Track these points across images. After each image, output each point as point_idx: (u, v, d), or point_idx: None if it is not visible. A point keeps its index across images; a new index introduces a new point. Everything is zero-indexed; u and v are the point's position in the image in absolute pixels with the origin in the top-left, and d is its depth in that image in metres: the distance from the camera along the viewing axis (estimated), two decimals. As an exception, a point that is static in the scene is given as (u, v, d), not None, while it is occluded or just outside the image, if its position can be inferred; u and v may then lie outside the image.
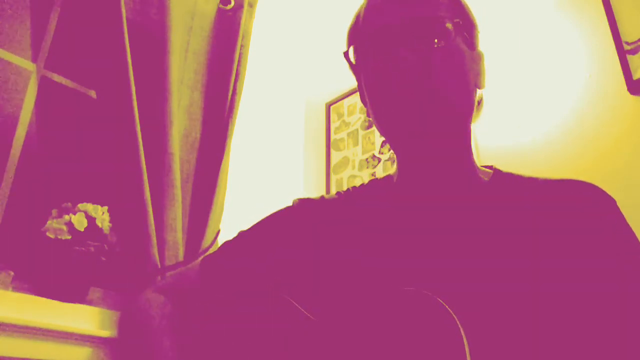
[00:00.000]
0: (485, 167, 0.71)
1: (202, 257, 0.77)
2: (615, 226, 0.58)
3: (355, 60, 0.68)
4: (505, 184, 0.66)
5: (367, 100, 0.67)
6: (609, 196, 0.61)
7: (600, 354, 0.52)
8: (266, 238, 0.72)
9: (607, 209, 0.60)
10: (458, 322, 0.44)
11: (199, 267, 0.74)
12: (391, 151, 1.70)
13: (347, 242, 0.66)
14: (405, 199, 0.68)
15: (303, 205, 0.75)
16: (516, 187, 0.65)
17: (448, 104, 0.61)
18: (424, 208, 0.65)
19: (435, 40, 0.60)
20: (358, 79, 0.71)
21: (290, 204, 0.77)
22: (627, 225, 0.59)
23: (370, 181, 0.76)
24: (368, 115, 0.72)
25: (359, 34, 0.67)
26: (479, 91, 0.67)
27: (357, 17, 0.69)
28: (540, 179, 0.65)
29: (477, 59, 0.68)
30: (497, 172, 0.69)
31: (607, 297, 0.54)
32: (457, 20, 0.63)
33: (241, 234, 0.75)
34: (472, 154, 0.68)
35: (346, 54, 0.69)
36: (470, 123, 0.66)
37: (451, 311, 0.45)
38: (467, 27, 0.65)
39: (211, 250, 1.35)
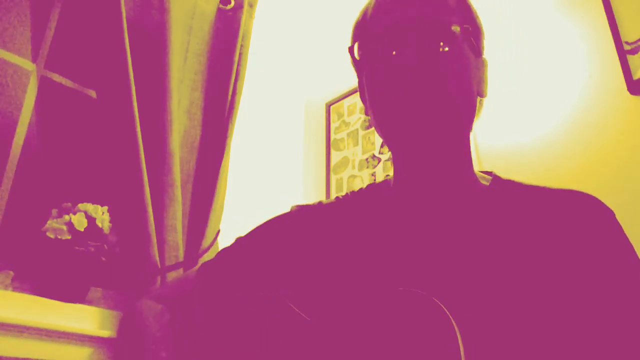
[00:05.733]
0: (485, 172, 0.71)
1: (199, 264, 0.77)
2: (612, 238, 0.58)
3: (359, 56, 0.67)
4: (504, 190, 0.66)
5: (367, 98, 0.67)
6: (607, 207, 0.61)
7: (593, 357, 0.52)
8: (264, 244, 0.72)
9: (605, 221, 0.59)
10: (454, 323, 0.44)
11: (196, 274, 0.74)
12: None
13: (345, 247, 0.66)
14: (402, 204, 0.68)
15: (301, 211, 0.75)
16: (515, 194, 0.65)
17: (450, 109, 0.60)
18: (421, 213, 0.65)
19: (441, 44, 0.60)
20: (359, 76, 0.70)
21: (288, 210, 0.76)
22: (625, 236, 0.59)
23: (369, 186, 0.76)
24: (366, 113, 0.71)
25: (365, 30, 0.66)
26: (479, 98, 0.67)
27: (365, 12, 0.68)
28: (539, 187, 0.65)
29: (481, 66, 0.67)
30: (496, 179, 0.68)
31: (601, 305, 0.54)
32: (466, 25, 0.62)
33: (239, 241, 0.75)
34: (471, 159, 0.68)
35: (350, 49, 0.68)
36: (470, 130, 0.66)
37: (447, 312, 0.45)
38: (474, 33, 0.65)
39: (211, 252, 1.35)
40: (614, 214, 0.60)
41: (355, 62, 0.69)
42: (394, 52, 0.60)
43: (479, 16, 0.68)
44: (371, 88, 0.65)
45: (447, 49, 0.60)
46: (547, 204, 0.62)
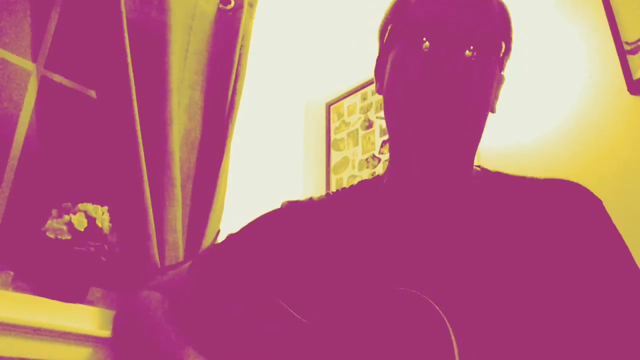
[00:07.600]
0: (474, 166, 0.71)
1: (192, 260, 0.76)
2: (600, 226, 0.58)
3: (389, 37, 0.66)
4: (493, 183, 0.66)
5: (386, 80, 0.66)
6: (595, 196, 0.61)
7: (586, 352, 0.52)
8: (254, 240, 0.72)
9: (593, 209, 0.59)
10: (446, 321, 0.44)
11: (188, 270, 0.73)
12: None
13: (336, 243, 0.66)
14: (394, 200, 0.67)
15: (291, 207, 0.74)
16: (503, 186, 0.65)
17: (469, 117, 0.60)
18: (413, 208, 0.65)
19: (471, 47, 0.59)
20: (382, 56, 0.69)
21: (279, 206, 0.76)
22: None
23: (360, 182, 0.76)
24: (378, 92, 0.70)
25: (403, 13, 0.65)
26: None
27: None
28: (527, 178, 0.65)
29: (500, 81, 0.67)
30: (484, 171, 0.69)
31: (591, 296, 0.54)
32: (502, 39, 0.62)
33: (230, 237, 0.74)
34: (472, 166, 0.67)
35: (383, 27, 0.68)
36: (479, 141, 0.65)
37: (439, 310, 0.45)
38: (506, 49, 0.65)
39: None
40: (602, 203, 0.60)
41: (383, 40, 0.68)
42: (427, 44, 0.59)
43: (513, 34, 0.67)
44: (394, 73, 0.64)
45: (479, 57, 0.59)
46: (535, 193, 0.62)
